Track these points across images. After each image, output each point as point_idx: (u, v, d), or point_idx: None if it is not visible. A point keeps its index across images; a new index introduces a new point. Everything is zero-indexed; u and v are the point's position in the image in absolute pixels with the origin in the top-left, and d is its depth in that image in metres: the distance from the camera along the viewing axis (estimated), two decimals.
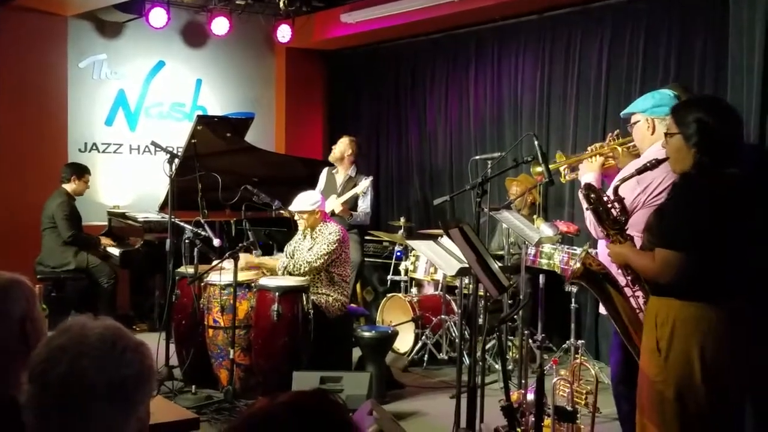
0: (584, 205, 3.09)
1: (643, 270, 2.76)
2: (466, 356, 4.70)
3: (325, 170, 6.89)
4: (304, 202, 5.20)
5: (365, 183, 6.41)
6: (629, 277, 2.93)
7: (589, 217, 3.17)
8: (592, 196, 2.98)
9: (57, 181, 7.03)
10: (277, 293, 4.76)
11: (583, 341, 5.35)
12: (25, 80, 7.38)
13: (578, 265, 3.04)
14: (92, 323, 1.57)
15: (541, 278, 4.99)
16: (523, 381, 4.17)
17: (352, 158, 6.73)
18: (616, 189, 2.99)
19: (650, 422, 2.72)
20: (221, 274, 4.89)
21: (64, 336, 1.53)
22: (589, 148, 3.85)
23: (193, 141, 6.57)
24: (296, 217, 5.28)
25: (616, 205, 2.95)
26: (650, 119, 3.39)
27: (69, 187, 6.89)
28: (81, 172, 6.95)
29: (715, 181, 2.64)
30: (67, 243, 6.74)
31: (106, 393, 1.49)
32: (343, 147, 6.71)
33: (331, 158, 6.72)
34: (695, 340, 2.60)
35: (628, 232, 2.95)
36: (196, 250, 5.07)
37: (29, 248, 6.87)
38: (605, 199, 2.98)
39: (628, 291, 2.98)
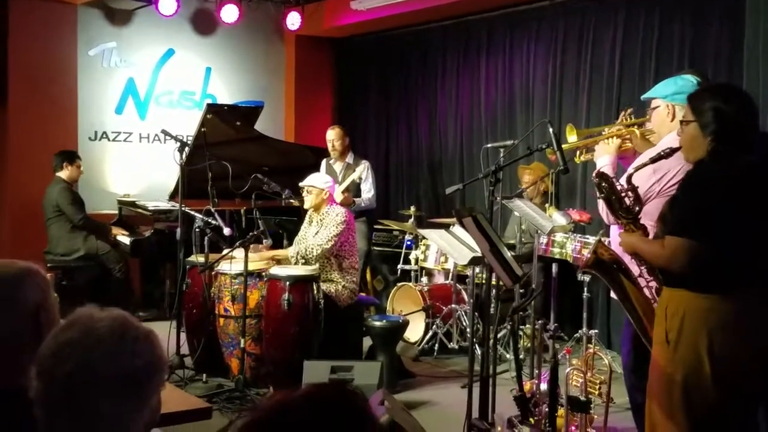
0: (597, 193, 3.04)
1: (653, 258, 2.72)
2: (477, 346, 4.67)
3: (323, 162, 6.88)
4: (316, 179, 5.27)
5: (360, 169, 6.41)
6: (643, 267, 2.89)
7: (602, 204, 3.13)
8: (604, 184, 2.94)
9: None
10: (287, 282, 4.74)
11: (595, 331, 5.31)
12: (35, 69, 7.36)
13: (590, 254, 3.00)
14: (99, 314, 1.55)
15: (554, 267, 4.94)
16: (536, 371, 4.14)
17: (346, 145, 6.72)
18: (629, 177, 2.94)
19: (659, 410, 2.69)
20: (231, 263, 4.87)
21: (72, 330, 1.51)
22: (605, 129, 3.77)
23: (202, 129, 6.56)
24: (304, 193, 5.26)
25: (630, 194, 2.90)
26: (671, 105, 3.33)
27: (64, 174, 6.83)
28: (72, 157, 6.90)
29: (729, 168, 2.60)
30: (78, 227, 6.72)
31: (117, 386, 1.47)
32: (333, 137, 6.69)
33: (332, 153, 6.70)
34: (704, 332, 2.56)
35: (642, 221, 2.91)
36: (206, 239, 5.05)
37: (40, 237, 6.87)
38: (618, 187, 2.93)
39: (642, 281, 2.94)
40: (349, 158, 6.73)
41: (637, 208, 2.89)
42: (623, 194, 2.90)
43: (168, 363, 2.01)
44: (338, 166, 6.74)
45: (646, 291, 2.88)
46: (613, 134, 3.62)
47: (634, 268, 2.96)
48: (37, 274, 1.88)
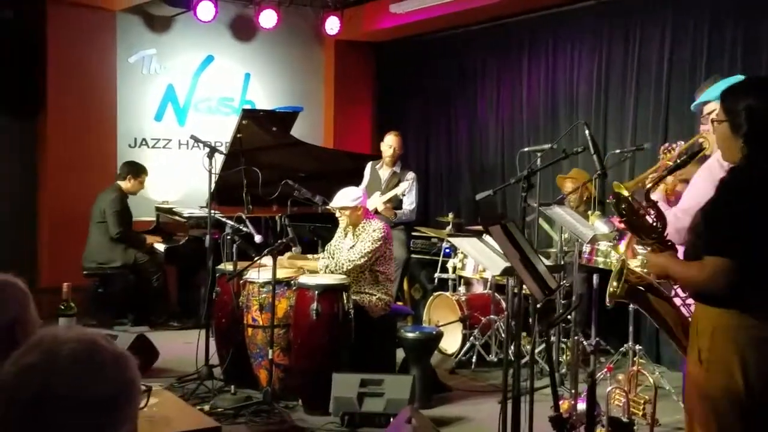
0: (617, 217, 2.79)
1: (690, 281, 2.47)
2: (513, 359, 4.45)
3: (368, 165, 6.73)
4: (345, 197, 5.03)
5: (404, 185, 6.27)
6: (676, 285, 2.64)
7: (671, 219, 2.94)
8: (623, 206, 2.66)
9: (107, 176, 7.07)
10: (316, 291, 4.59)
11: (640, 347, 5.04)
12: (74, 76, 7.40)
13: (618, 283, 2.70)
14: (65, 335, 1.41)
15: (595, 278, 4.71)
16: (572, 390, 3.90)
17: (399, 154, 6.58)
18: (647, 194, 2.70)
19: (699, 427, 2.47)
20: (260, 271, 4.75)
21: (34, 352, 1.37)
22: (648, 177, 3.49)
23: (238, 135, 6.50)
24: (338, 214, 5.11)
25: (650, 211, 2.64)
26: None
27: (123, 184, 6.90)
28: (138, 171, 6.95)
29: (765, 176, 2.36)
30: (114, 240, 6.72)
31: (83, 415, 1.32)
32: (390, 141, 6.56)
33: (387, 159, 6.54)
34: (736, 350, 2.33)
35: None
36: (234, 246, 4.94)
37: (78, 243, 6.88)
38: (636, 207, 2.66)
39: (677, 300, 2.69)
40: (397, 167, 6.59)
41: (660, 225, 2.64)
42: (643, 212, 2.64)
43: (144, 390, 1.86)
44: (384, 173, 6.60)
45: (684, 310, 2.63)
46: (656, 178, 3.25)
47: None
48: (14, 286, 1.76)
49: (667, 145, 3.56)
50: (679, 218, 3.05)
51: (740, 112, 2.40)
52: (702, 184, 2.97)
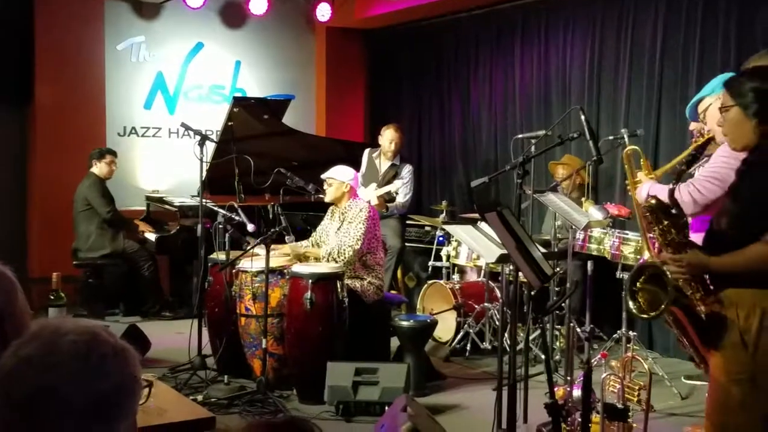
0: (648, 227, 2.69)
1: (753, 263, 2.35)
2: (508, 347, 4.44)
3: (366, 152, 6.69)
4: (338, 171, 5.07)
5: (398, 183, 6.27)
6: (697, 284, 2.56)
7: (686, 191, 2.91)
8: (658, 215, 2.59)
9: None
10: (310, 280, 4.56)
11: (634, 333, 5.04)
12: (62, 64, 7.32)
13: (667, 304, 2.44)
14: (66, 327, 1.37)
15: (589, 264, 4.69)
16: (567, 377, 3.89)
17: (399, 147, 6.55)
18: (671, 192, 2.66)
19: (733, 417, 2.44)
20: (253, 260, 4.71)
21: (33, 344, 1.34)
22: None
23: (229, 123, 6.44)
24: (325, 185, 5.09)
25: (674, 210, 2.60)
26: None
27: (95, 170, 6.85)
28: (101, 154, 6.90)
29: None
30: (106, 221, 6.67)
31: (82, 410, 1.29)
32: (391, 136, 6.50)
33: (386, 153, 6.51)
34: None
35: None
36: (227, 235, 4.90)
37: (68, 233, 6.84)
38: (664, 206, 2.60)
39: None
40: (396, 159, 6.57)
41: (683, 221, 2.59)
42: (674, 212, 2.58)
43: (145, 384, 1.82)
44: (382, 164, 6.56)
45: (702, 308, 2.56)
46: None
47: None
48: (3, 277, 1.71)
49: (696, 127, 3.52)
50: (707, 188, 3.03)
51: (748, 93, 2.43)
52: (728, 156, 2.92)
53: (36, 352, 1.32)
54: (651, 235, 2.68)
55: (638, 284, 2.55)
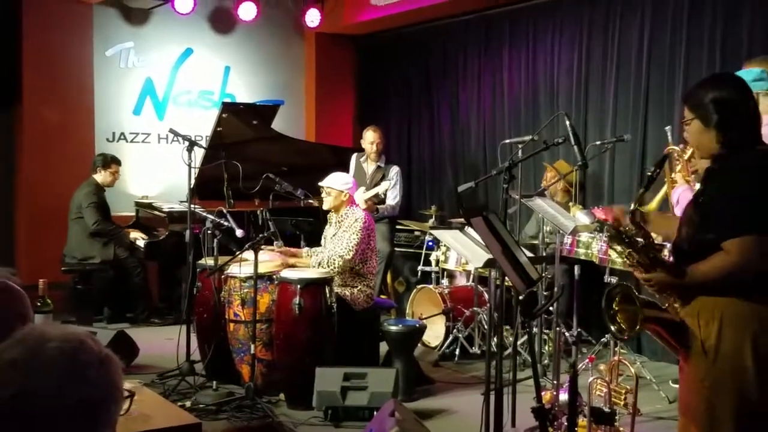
0: (615, 246, 2.69)
1: (717, 272, 2.37)
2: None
3: (353, 157, 6.72)
4: (336, 180, 5.05)
5: (385, 185, 6.29)
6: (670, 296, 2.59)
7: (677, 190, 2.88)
8: (626, 236, 2.60)
9: (84, 171, 6.96)
10: (299, 286, 4.56)
11: None
12: (50, 69, 7.30)
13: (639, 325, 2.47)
14: (51, 332, 1.37)
15: (576, 269, 4.71)
16: (554, 381, 3.91)
17: (381, 148, 6.58)
18: (632, 214, 2.64)
19: (698, 427, 2.46)
20: (241, 265, 4.71)
21: (18, 348, 1.34)
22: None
23: (218, 129, 6.45)
24: (323, 194, 5.09)
25: (640, 232, 2.61)
26: (756, 93, 3.02)
27: (98, 177, 6.83)
28: (107, 162, 6.87)
29: (755, 156, 2.42)
30: (92, 233, 6.65)
31: (61, 416, 1.29)
32: (372, 137, 6.54)
33: (371, 155, 6.54)
34: (748, 338, 2.34)
35: None
36: (215, 240, 4.90)
37: (56, 238, 6.81)
38: (630, 232, 2.60)
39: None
40: (381, 161, 6.59)
41: (652, 242, 2.61)
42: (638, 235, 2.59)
43: (127, 395, 1.82)
44: (369, 167, 6.59)
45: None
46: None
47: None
48: (13, 288, 1.72)
49: (680, 147, 3.53)
50: None
51: (707, 105, 2.45)
52: None
53: (20, 356, 1.32)
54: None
55: (614, 306, 2.58)
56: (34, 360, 1.31)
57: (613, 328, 2.60)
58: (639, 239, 2.55)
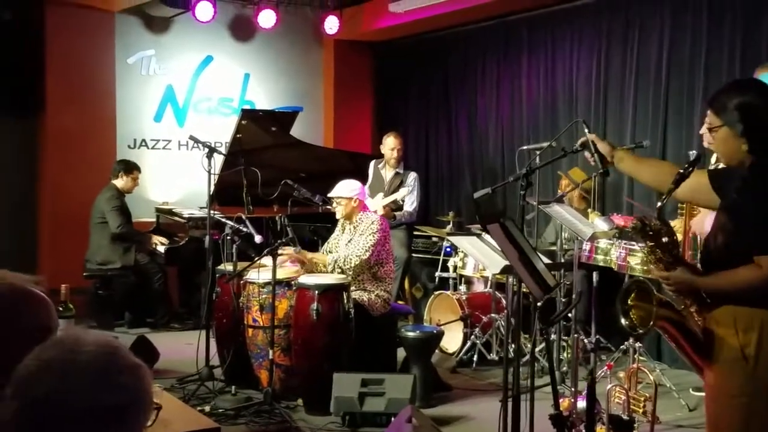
0: (644, 243, 2.67)
1: (745, 284, 2.35)
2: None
3: (372, 164, 6.75)
4: (342, 188, 5.08)
5: (404, 191, 6.30)
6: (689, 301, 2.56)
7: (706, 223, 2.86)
8: (649, 230, 2.56)
9: (106, 177, 7.04)
10: (316, 291, 4.59)
11: (641, 344, 5.02)
12: (72, 77, 7.40)
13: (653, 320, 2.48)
14: (87, 338, 1.41)
15: (595, 275, 4.69)
16: (573, 388, 3.90)
17: (401, 154, 6.60)
18: (660, 211, 2.63)
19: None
20: (260, 271, 4.74)
21: (54, 350, 1.38)
22: None
23: (237, 135, 6.50)
24: (334, 204, 5.12)
25: (664, 228, 2.60)
26: None
27: (118, 183, 6.91)
28: (128, 168, 6.94)
29: None
30: (116, 236, 6.71)
31: (91, 421, 1.32)
32: (393, 143, 6.56)
33: (390, 161, 6.57)
34: None
35: None
36: (234, 246, 4.94)
37: (78, 244, 6.89)
38: (657, 227, 2.59)
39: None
40: (400, 168, 6.62)
41: (674, 241, 2.59)
42: (663, 232, 2.58)
43: (155, 407, 1.84)
44: (387, 174, 6.62)
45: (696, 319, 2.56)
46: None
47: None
48: (37, 294, 1.75)
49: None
50: None
51: (733, 111, 2.40)
52: None
53: (56, 358, 1.35)
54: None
55: (629, 302, 2.57)
56: (69, 363, 1.35)
57: (624, 322, 2.59)
58: (664, 238, 2.54)
